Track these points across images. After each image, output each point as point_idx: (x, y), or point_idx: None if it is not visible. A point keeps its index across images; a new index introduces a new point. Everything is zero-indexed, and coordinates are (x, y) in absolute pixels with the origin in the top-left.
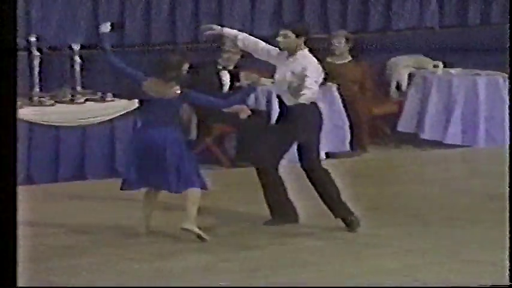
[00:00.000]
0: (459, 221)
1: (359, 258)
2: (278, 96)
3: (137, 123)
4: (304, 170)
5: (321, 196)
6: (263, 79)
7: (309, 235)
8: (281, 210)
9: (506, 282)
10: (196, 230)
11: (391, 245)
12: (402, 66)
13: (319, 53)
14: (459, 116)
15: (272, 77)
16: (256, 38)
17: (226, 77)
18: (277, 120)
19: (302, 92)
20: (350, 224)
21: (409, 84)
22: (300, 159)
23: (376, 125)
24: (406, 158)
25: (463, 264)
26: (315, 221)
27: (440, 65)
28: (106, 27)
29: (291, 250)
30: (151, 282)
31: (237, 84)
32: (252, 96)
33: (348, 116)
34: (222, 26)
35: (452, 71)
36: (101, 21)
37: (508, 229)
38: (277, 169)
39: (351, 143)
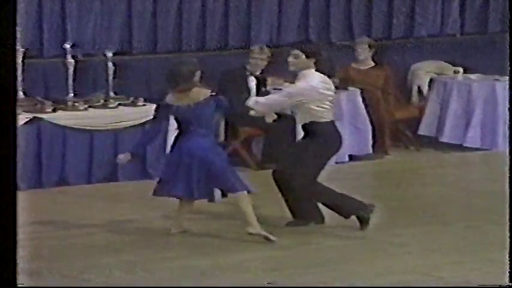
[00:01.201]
0: (478, 221)
1: (382, 257)
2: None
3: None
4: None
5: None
6: (287, 84)
7: (330, 235)
8: (305, 211)
9: (506, 282)
10: (263, 232)
11: (411, 244)
12: (424, 72)
13: (345, 59)
14: (478, 120)
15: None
16: (282, 45)
17: (253, 83)
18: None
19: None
20: (361, 217)
21: (430, 89)
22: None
23: (397, 128)
24: (427, 160)
25: (483, 263)
26: (337, 221)
27: (461, 70)
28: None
29: (314, 249)
30: (181, 281)
31: (263, 89)
32: None
33: (371, 119)
34: (251, 33)
35: (472, 76)
36: (133, 31)
37: (508, 229)
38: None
39: (373, 146)
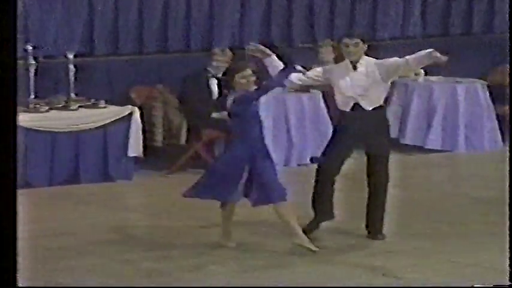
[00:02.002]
0: (440, 223)
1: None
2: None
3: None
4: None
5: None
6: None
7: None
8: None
9: (506, 282)
10: (307, 243)
11: (376, 246)
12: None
13: (306, 61)
14: (439, 122)
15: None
16: (244, 48)
17: (215, 85)
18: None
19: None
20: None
21: (391, 91)
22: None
23: None
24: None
25: (450, 264)
26: None
27: (422, 73)
28: None
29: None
30: None
31: (226, 91)
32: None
33: (333, 121)
34: (213, 36)
35: (433, 78)
36: (95, 32)
37: (508, 229)
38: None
39: None
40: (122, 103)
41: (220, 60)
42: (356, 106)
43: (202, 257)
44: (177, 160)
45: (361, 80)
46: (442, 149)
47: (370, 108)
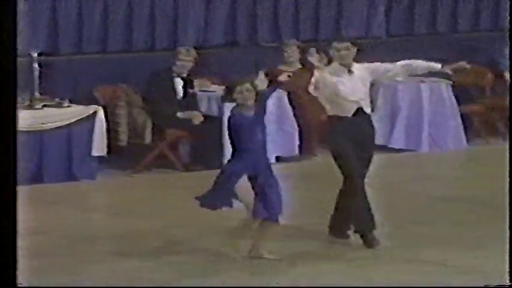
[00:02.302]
0: (404, 222)
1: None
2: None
3: None
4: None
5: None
6: (213, 86)
7: None
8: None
9: (506, 282)
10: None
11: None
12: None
13: (271, 61)
14: (403, 121)
15: (224, 83)
16: (211, 46)
17: (180, 84)
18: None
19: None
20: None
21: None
22: None
23: (324, 130)
24: None
25: (421, 264)
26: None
27: None
28: None
29: None
30: None
31: (190, 91)
32: (205, 102)
33: (298, 121)
34: (177, 35)
35: (398, 78)
36: (59, 31)
37: (508, 229)
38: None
39: (300, 147)
40: (86, 102)
41: (185, 59)
42: (359, 111)
43: (163, 257)
44: (141, 159)
45: (358, 83)
46: (406, 148)
47: (369, 112)
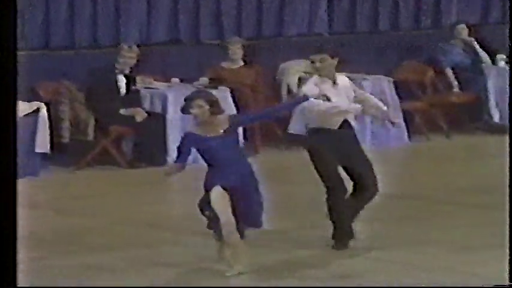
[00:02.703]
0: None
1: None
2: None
3: None
4: None
5: None
6: (156, 83)
7: None
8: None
9: (506, 282)
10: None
11: (282, 240)
12: (293, 71)
13: (215, 58)
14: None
15: (167, 81)
16: (153, 44)
17: (122, 81)
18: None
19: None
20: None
21: (299, 87)
22: None
23: (268, 127)
24: (296, 159)
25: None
26: None
27: None
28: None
29: None
30: None
31: (133, 87)
32: (148, 99)
33: None
34: (120, 32)
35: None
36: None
37: (508, 229)
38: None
39: (243, 144)
40: (28, 99)
41: (128, 56)
42: (345, 123)
43: (111, 253)
44: (84, 156)
45: (343, 95)
46: None
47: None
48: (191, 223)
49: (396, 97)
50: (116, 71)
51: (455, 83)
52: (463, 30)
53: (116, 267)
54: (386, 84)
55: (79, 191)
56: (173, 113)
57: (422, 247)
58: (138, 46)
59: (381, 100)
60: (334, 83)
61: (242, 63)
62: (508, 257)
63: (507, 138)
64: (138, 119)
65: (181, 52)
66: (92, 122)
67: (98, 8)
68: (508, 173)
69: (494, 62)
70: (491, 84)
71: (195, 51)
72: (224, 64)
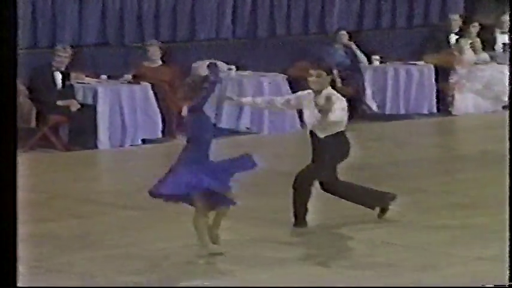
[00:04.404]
0: (258, 194)
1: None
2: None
3: None
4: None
5: (349, 200)
6: (87, 79)
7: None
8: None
9: (506, 282)
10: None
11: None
12: (203, 69)
13: (137, 58)
14: (249, 108)
15: (97, 77)
16: (85, 45)
17: (59, 77)
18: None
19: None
20: (384, 207)
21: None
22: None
23: (183, 116)
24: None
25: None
26: None
27: (234, 68)
28: None
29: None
30: None
31: (68, 82)
32: (81, 93)
33: (160, 109)
34: (56, 34)
35: (243, 73)
36: None
37: (508, 229)
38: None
39: (163, 131)
40: None
41: (63, 56)
42: (312, 134)
43: (50, 223)
44: (28, 141)
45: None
46: (251, 132)
47: (323, 136)
48: (119, 198)
49: (290, 90)
50: (53, 68)
51: (338, 79)
52: (344, 35)
53: (54, 235)
54: (281, 80)
55: (23, 171)
56: (102, 104)
57: (319, 215)
58: (71, 47)
59: (277, 94)
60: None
61: (161, 63)
62: (508, 257)
63: (384, 124)
64: (73, 109)
65: (108, 53)
66: (34, 112)
67: (36, 14)
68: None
69: (370, 61)
70: (367, 80)
71: (121, 52)
72: (145, 63)
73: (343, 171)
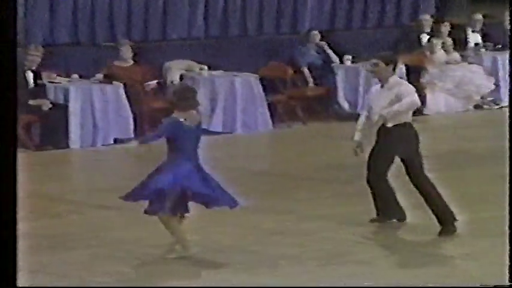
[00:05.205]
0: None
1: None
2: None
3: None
4: (410, 179)
5: (426, 200)
6: (59, 78)
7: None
8: (388, 210)
9: (506, 282)
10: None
11: None
12: (175, 69)
13: (108, 58)
14: (221, 108)
15: (68, 76)
16: (57, 44)
17: (30, 76)
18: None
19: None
20: (445, 224)
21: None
22: (406, 172)
23: (155, 116)
24: None
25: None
26: None
27: (205, 68)
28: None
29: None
30: None
31: (39, 82)
32: (52, 92)
33: (132, 109)
34: (28, 34)
35: (215, 73)
36: None
37: (508, 229)
38: (385, 177)
39: (135, 130)
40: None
41: (34, 55)
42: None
43: (22, 222)
44: None
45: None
46: (223, 131)
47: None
48: (92, 198)
49: (262, 91)
50: (25, 67)
51: (311, 79)
52: (316, 35)
53: (28, 234)
54: (253, 80)
55: None
56: (74, 104)
57: (286, 215)
58: (43, 47)
59: (249, 94)
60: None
61: (132, 62)
62: (508, 257)
63: (356, 123)
64: (44, 108)
65: (80, 52)
66: None
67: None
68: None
69: (342, 61)
70: (339, 80)
71: (92, 52)
72: (117, 63)
73: (318, 170)
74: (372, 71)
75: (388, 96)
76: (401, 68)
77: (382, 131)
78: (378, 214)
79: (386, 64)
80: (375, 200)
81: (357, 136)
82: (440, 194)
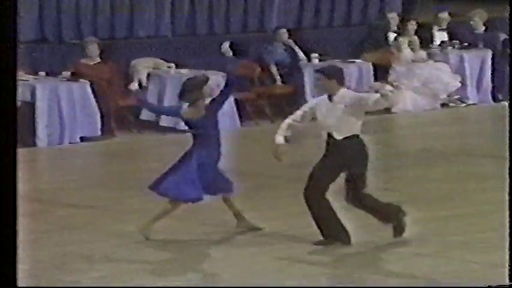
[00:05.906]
0: None
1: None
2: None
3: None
4: (347, 196)
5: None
6: (26, 75)
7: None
8: (331, 232)
9: (506, 282)
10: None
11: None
12: (142, 67)
13: (75, 55)
14: None
15: (35, 74)
16: (22, 42)
17: None
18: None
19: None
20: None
21: (148, 81)
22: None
23: (122, 114)
24: (148, 140)
25: None
26: None
27: (173, 66)
28: None
29: None
30: None
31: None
32: (19, 89)
33: (99, 106)
34: None
35: (183, 71)
36: None
37: (508, 229)
38: (324, 195)
39: (102, 129)
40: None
41: None
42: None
43: None
44: None
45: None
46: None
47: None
48: (59, 196)
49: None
50: None
51: (278, 77)
52: (283, 33)
53: None
54: (221, 79)
55: None
56: (41, 102)
57: (248, 213)
58: None
59: (217, 92)
60: (330, 99)
61: (99, 60)
62: (508, 257)
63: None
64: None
65: (47, 50)
66: None
67: None
68: None
69: (309, 59)
70: (307, 78)
71: (59, 49)
72: (83, 60)
73: (284, 169)
74: (317, 85)
75: (337, 110)
76: (369, 66)
77: (331, 143)
78: (323, 236)
79: (329, 79)
80: (315, 220)
81: (279, 139)
82: (378, 201)
